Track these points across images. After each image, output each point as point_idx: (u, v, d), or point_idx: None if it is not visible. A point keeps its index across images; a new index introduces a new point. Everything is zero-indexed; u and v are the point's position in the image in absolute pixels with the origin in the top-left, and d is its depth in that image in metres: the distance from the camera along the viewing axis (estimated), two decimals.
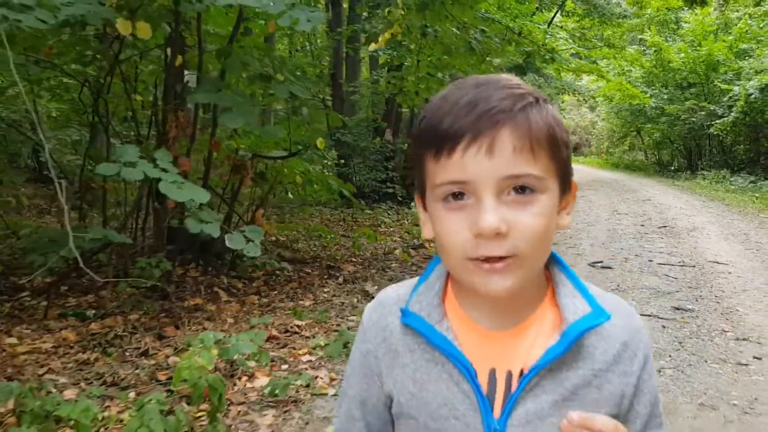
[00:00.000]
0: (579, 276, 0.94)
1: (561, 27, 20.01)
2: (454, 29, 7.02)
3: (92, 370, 3.86)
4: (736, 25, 21.69)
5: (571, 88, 21.55)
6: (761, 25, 20.68)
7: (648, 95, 22.83)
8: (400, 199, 12.60)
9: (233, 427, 3.23)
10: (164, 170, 4.23)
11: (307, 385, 3.72)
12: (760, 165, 20.01)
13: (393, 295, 1.01)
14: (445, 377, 0.91)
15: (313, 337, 4.64)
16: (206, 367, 2.72)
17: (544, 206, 0.84)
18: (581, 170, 25.33)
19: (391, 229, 10.03)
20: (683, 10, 24.25)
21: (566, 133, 0.88)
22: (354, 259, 7.53)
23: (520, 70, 10.12)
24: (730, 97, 19.47)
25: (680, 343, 4.46)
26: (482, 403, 0.89)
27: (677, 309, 5.33)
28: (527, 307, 0.92)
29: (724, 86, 19.87)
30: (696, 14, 23.06)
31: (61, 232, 5.55)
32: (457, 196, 0.84)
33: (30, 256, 4.89)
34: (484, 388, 0.89)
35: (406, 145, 12.41)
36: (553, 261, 0.95)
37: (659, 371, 3.85)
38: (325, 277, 6.58)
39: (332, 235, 8.49)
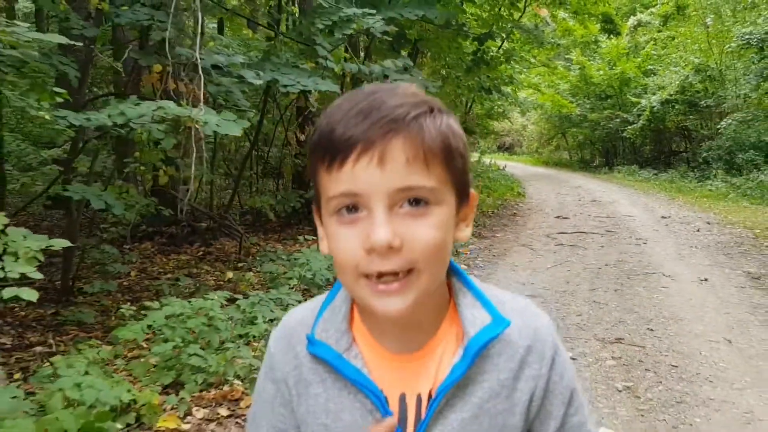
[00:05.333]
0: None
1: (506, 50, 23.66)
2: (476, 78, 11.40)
3: None
4: (644, 48, 24.72)
5: (516, 101, 24.93)
6: (662, 49, 23.82)
7: (574, 105, 25.46)
8: None
9: None
10: None
11: None
12: (662, 161, 22.99)
13: (298, 318, 0.95)
14: (358, 406, 0.86)
15: None
16: None
17: (440, 218, 0.78)
18: (519, 167, 28.84)
19: None
20: (602, 34, 28.23)
21: (463, 143, 0.82)
22: None
23: (487, 92, 14.10)
24: (639, 108, 22.13)
25: (610, 241, 9.11)
26: None
27: (608, 231, 9.99)
28: (431, 325, 0.87)
29: (634, 99, 22.91)
30: (611, 39, 25.54)
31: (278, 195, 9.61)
32: (351, 209, 0.77)
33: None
34: (396, 415, 0.86)
35: None
36: (452, 272, 0.90)
37: (602, 247, 8.38)
38: None
39: None
